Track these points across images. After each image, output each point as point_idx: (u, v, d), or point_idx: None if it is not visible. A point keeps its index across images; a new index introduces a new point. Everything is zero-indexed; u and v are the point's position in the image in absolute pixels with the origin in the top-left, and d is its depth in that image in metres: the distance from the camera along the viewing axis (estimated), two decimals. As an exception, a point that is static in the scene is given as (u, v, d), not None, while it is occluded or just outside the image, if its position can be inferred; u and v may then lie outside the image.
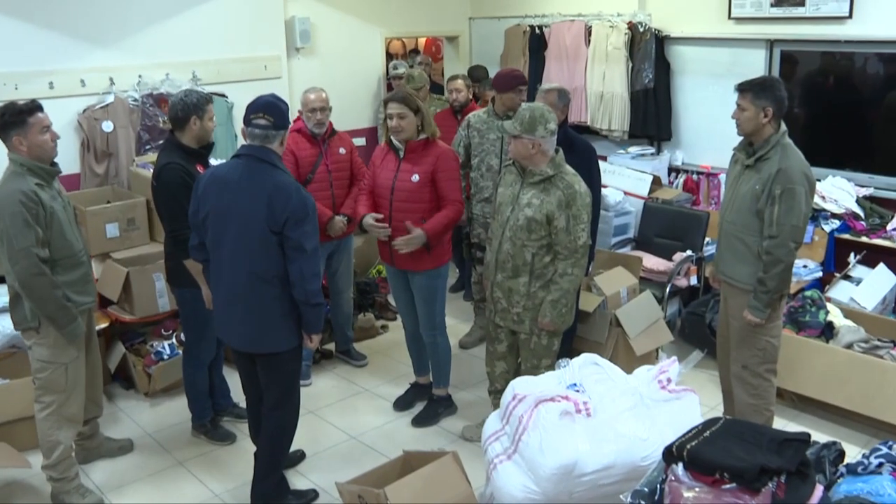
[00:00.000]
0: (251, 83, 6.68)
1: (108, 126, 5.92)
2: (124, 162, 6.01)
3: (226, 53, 6.63)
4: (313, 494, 4.20)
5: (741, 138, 4.16)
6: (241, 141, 6.49)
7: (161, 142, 5.86)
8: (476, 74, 7.35)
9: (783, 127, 3.97)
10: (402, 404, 5.14)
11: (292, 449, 4.32)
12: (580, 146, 4.85)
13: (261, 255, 3.59)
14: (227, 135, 6.46)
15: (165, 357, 5.26)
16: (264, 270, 3.60)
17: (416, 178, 4.49)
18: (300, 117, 5.19)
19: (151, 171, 4.56)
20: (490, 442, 3.38)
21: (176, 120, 4.31)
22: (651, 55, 7.09)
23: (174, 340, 5.35)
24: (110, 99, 5.97)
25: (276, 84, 6.88)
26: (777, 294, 3.98)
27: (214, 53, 6.56)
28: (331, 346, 5.85)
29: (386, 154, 4.67)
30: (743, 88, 3.97)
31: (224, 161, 4.07)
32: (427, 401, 5.06)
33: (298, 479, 4.36)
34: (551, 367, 4.04)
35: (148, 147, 6.10)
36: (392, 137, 4.59)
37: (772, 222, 3.87)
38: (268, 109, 3.64)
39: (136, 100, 6.11)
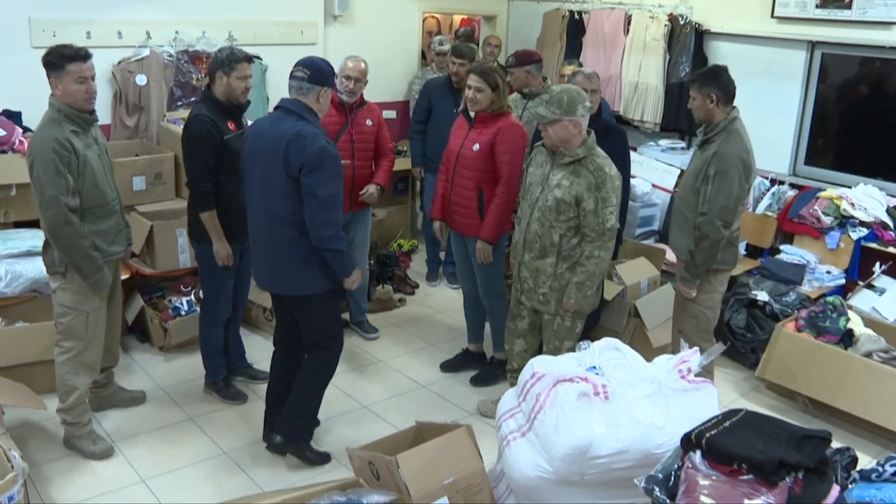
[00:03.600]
0: (287, 47, 6.67)
1: (141, 79, 5.92)
2: (155, 116, 6.00)
3: (264, 15, 6.60)
4: (326, 457, 4.23)
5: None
6: (274, 104, 6.62)
7: (193, 98, 5.90)
8: (461, 51, 6.35)
9: (734, 113, 4.25)
10: (449, 367, 5.27)
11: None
12: (616, 133, 4.88)
13: (280, 199, 3.75)
14: (259, 97, 6.45)
15: (183, 313, 5.28)
16: (283, 214, 3.76)
17: (476, 147, 4.63)
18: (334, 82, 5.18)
19: (182, 126, 4.56)
20: (505, 419, 3.37)
21: (210, 73, 4.40)
22: (689, 49, 7.02)
23: (192, 297, 5.36)
24: (146, 52, 5.96)
25: (312, 50, 6.85)
26: (704, 268, 4.28)
27: (252, 14, 6.53)
28: (346, 316, 5.87)
29: (462, 121, 4.83)
30: (691, 80, 4.36)
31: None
32: (483, 364, 5.20)
33: (307, 443, 4.38)
34: (572, 350, 4.00)
35: (180, 103, 6.10)
36: (468, 106, 4.74)
37: (704, 200, 4.18)
38: (307, 64, 3.83)
39: (171, 55, 6.10)
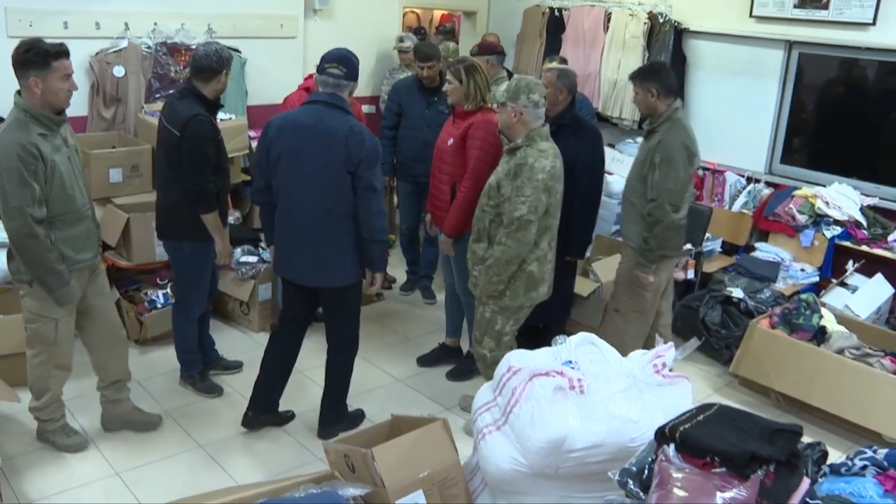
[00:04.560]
0: (266, 41, 6.66)
1: (119, 71, 5.87)
2: (133, 108, 5.96)
3: (243, 8, 6.56)
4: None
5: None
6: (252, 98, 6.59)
7: (171, 91, 5.84)
8: (424, 53, 5.96)
9: (676, 104, 4.49)
10: (426, 362, 5.29)
11: (282, 409, 4.47)
12: (587, 129, 4.92)
13: (334, 192, 3.89)
14: (238, 90, 6.41)
15: (158, 306, 5.26)
16: (337, 206, 3.90)
17: (451, 141, 4.68)
18: (312, 75, 5.18)
19: (158, 118, 4.49)
20: (481, 412, 3.38)
21: (207, 70, 4.26)
22: (668, 47, 7.06)
23: (168, 290, 5.33)
24: (124, 44, 5.90)
25: (291, 44, 6.86)
26: (659, 252, 4.46)
27: (232, 7, 6.49)
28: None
29: (451, 118, 4.88)
30: (633, 76, 4.58)
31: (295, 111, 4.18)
32: (460, 358, 5.23)
33: (284, 437, 4.39)
34: (495, 351, 4.20)
35: (158, 95, 6.05)
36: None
37: (653, 187, 4.38)
38: (342, 61, 3.96)
39: (149, 47, 6.04)
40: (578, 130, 4.73)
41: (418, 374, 5.18)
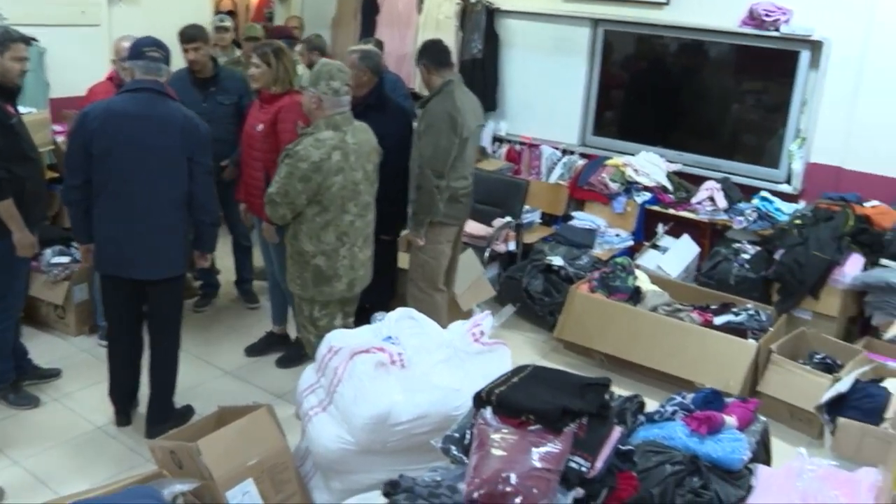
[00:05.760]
0: (67, 29, 6.27)
1: None
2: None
3: (38, -8, 6.16)
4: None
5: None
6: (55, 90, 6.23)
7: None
8: (189, 34, 5.47)
9: (449, 76, 4.74)
10: (254, 351, 5.20)
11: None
12: (392, 109, 4.99)
13: (172, 180, 3.87)
14: (38, 82, 6.04)
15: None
16: (174, 194, 3.89)
17: (260, 127, 4.60)
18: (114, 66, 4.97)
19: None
20: (305, 395, 3.38)
21: None
22: (481, 27, 7.20)
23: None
24: None
25: (95, 32, 6.50)
26: (423, 217, 4.67)
27: (24, -10, 6.07)
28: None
29: (257, 102, 4.80)
30: (416, 59, 4.91)
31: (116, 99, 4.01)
32: (288, 345, 5.16)
33: (110, 443, 4.21)
34: (319, 336, 4.05)
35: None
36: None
37: (419, 155, 4.61)
38: (160, 45, 3.91)
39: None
40: (385, 110, 4.82)
41: (247, 365, 5.09)
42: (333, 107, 3.99)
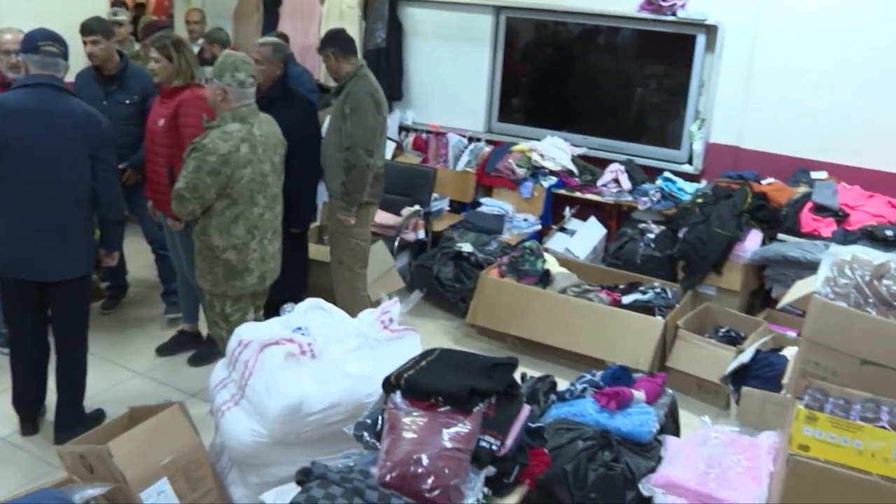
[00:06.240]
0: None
1: None
2: None
3: None
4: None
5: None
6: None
7: None
8: (88, 27, 5.20)
9: (359, 62, 4.91)
10: (166, 351, 5.11)
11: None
12: (299, 101, 5.00)
13: (75, 178, 3.80)
14: None
15: None
16: (78, 192, 3.82)
17: (161, 122, 4.51)
18: None
19: None
20: (217, 390, 3.34)
21: None
22: (384, 16, 7.19)
23: None
24: None
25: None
26: (357, 195, 4.77)
27: None
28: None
29: (158, 97, 4.70)
30: (318, 48, 5.00)
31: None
32: (200, 343, 5.12)
33: (18, 455, 4.08)
34: (229, 333, 3.90)
35: None
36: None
37: (347, 135, 4.71)
38: (56, 38, 3.81)
39: None
40: (290, 103, 4.81)
41: (159, 365, 5.00)
42: (239, 99, 3.93)
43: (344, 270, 5.04)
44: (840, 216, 5.38)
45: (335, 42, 4.84)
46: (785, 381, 4.22)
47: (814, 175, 5.81)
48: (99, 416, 4.32)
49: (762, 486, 2.86)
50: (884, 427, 2.46)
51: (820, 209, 5.44)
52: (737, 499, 2.81)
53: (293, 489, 2.54)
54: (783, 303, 4.04)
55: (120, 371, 4.90)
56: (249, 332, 3.28)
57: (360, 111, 4.68)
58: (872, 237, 4.96)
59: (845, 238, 4.97)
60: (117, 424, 3.57)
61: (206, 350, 4.96)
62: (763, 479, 2.89)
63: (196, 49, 6.11)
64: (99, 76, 5.13)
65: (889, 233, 5.01)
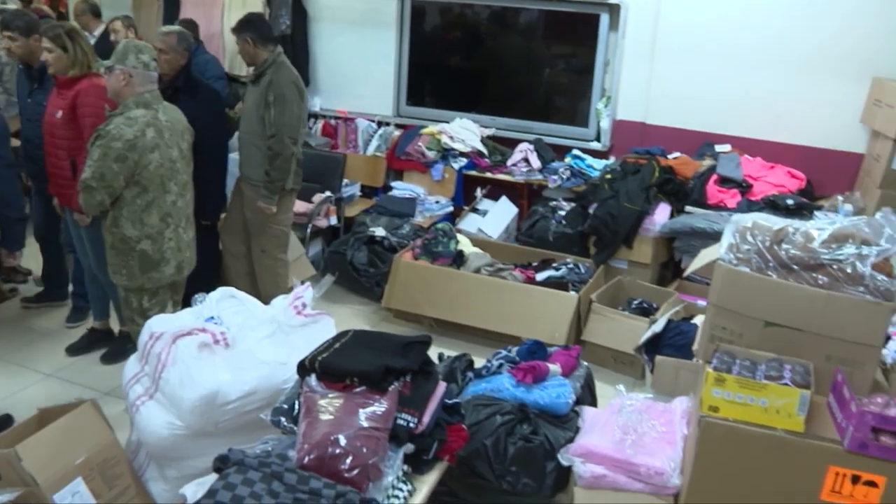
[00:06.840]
0: None
1: None
2: None
3: None
4: None
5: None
6: None
7: None
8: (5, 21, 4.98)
9: (277, 49, 4.86)
10: (76, 350, 4.97)
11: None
12: (204, 90, 4.93)
13: None
14: None
15: None
16: None
17: (59, 114, 4.35)
18: None
19: None
20: (131, 385, 3.29)
21: None
22: (288, 2, 7.08)
23: None
24: None
25: None
26: (281, 183, 4.79)
27: None
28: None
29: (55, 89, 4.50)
30: (233, 29, 4.90)
31: None
32: (112, 340, 4.99)
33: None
34: (136, 325, 4.01)
35: None
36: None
37: (271, 124, 4.69)
38: None
39: None
40: (195, 92, 4.72)
41: (70, 365, 4.86)
42: (144, 82, 3.85)
43: (267, 259, 5.05)
44: (744, 187, 5.57)
45: (253, 27, 4.78)
46: (695, 347, 4.37)
47: (718, 148, 6.00)
48: (6, 421, 4.17)
49: (677, 449, 2.96)
50: (787, 384, 2.57)
51: (725, 181, 5.62)
52: (653, 463, 2.90)
53: (213, 480, 2.52)
54: (689, 271, 4.16)
55: (27, 373, 4.76)
56: (161, 324, 3.23)
57: (284, 99, 4.66)
58: (775, 206, 5.16)
59: (749, 208, 5.13)
60: (26, 427, 3.47)
61: (118, 347, 4.85)
62: (678, 443, 2.99)
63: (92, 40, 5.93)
64: (28, 72, 4.92)
65: (790, 202, 5.21)
